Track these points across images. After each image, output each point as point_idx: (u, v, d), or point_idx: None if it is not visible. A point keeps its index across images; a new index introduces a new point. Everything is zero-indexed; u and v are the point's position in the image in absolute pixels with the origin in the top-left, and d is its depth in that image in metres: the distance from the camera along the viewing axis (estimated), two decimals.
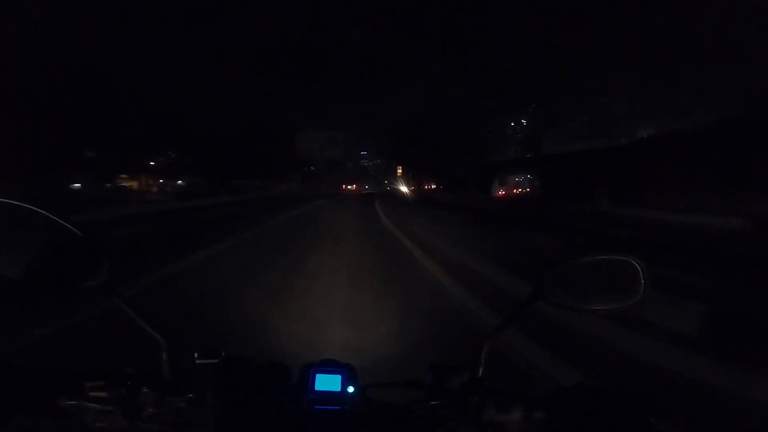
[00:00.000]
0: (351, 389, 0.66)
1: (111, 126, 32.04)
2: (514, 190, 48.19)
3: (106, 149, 32.83)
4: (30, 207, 0.59)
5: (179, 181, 38.95)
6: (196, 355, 0.67)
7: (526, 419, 0.62)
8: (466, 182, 37.37)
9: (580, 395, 0.61)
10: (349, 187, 72.50)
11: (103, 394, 0.61)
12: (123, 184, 34.35)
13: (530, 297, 0.68)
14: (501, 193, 42.09)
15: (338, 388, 0.66)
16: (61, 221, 0.60)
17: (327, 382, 0.66)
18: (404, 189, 65.67)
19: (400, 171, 38.05)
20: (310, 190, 55.04)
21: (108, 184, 32.78)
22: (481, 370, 0.68)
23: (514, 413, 0.62)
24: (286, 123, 54.44)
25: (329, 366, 0.69)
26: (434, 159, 41.42)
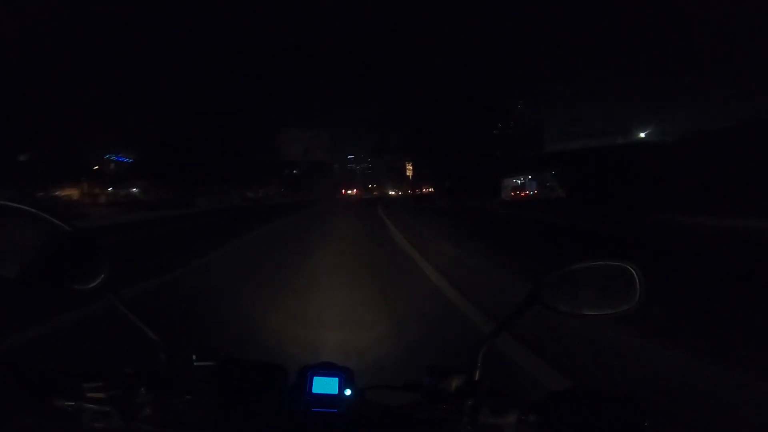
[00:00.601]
0: (348, 392, 0.66)
1: (45, 125, 26.10)
2: (522, 192, 44.25)
3: (40, 151, 26.92)
4: (28, 208, 0.58)
5: (133, 189, 32.58)
6: (194, 356, 0.66)
7: (522, 422, 0.61)
8: (476, 183, 31.99)
9: (575, 398, 0.62)
10: (349, 191, 65.63)
11: (101, 395, 0.60)
12: (58, 193, 28.09)
13: (526, 302, 0.68)
14: (512, 194, 38.30)
15: (335, 391, 0.66)
16: (59, 222, 0.59)
17: (324, 385, 0.66)
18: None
19: (410, 171, 32.15)
20: (292, 197, 47.65)
21: (41, 193, 26.74)
22: (477, 373, 0.67)
23: (510, 416, 0.61)
24: (264, 121, 48.30)
25: (327, 368, 0.68)
26: (441, 159, 35.62)
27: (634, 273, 0.65)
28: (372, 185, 77.65)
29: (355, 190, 67.02)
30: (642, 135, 42.00)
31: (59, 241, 0.59)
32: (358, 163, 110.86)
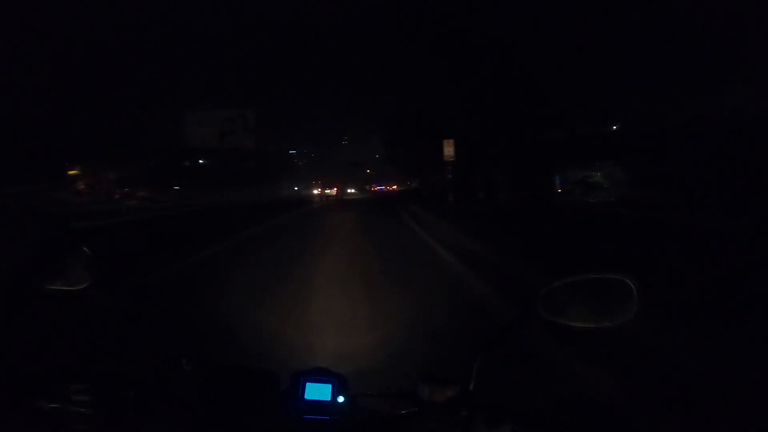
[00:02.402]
0: (341, 399, 0.65)
1: None
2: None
3: None
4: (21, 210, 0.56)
5: None
6: (184, 361, 0.65)
7: None
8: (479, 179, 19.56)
9: (568, 411, 0.62)
10: (327, 191, 48.48)
11: (87, 398, 0.60)
12: None
13: (523, 314, 0.68)
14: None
15: (328, 398, 0.65)
16: (52, 225, 0.57)
17: (317, 391, 0.65)
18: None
19: (451, 149, 19.14)
20: (180, 204, 25.86)
21: None
22: (472, 384, 0.67)
23: (503, 428, 0.61)
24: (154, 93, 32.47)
25: (319, 375, 0.67)
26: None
27: (632, 286, 0.64)
28: (315, 181, 60.73)
29: (335, 190, 49.49)
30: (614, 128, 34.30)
31: (48, 242, 0.56)
32: (302, 158, 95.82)
